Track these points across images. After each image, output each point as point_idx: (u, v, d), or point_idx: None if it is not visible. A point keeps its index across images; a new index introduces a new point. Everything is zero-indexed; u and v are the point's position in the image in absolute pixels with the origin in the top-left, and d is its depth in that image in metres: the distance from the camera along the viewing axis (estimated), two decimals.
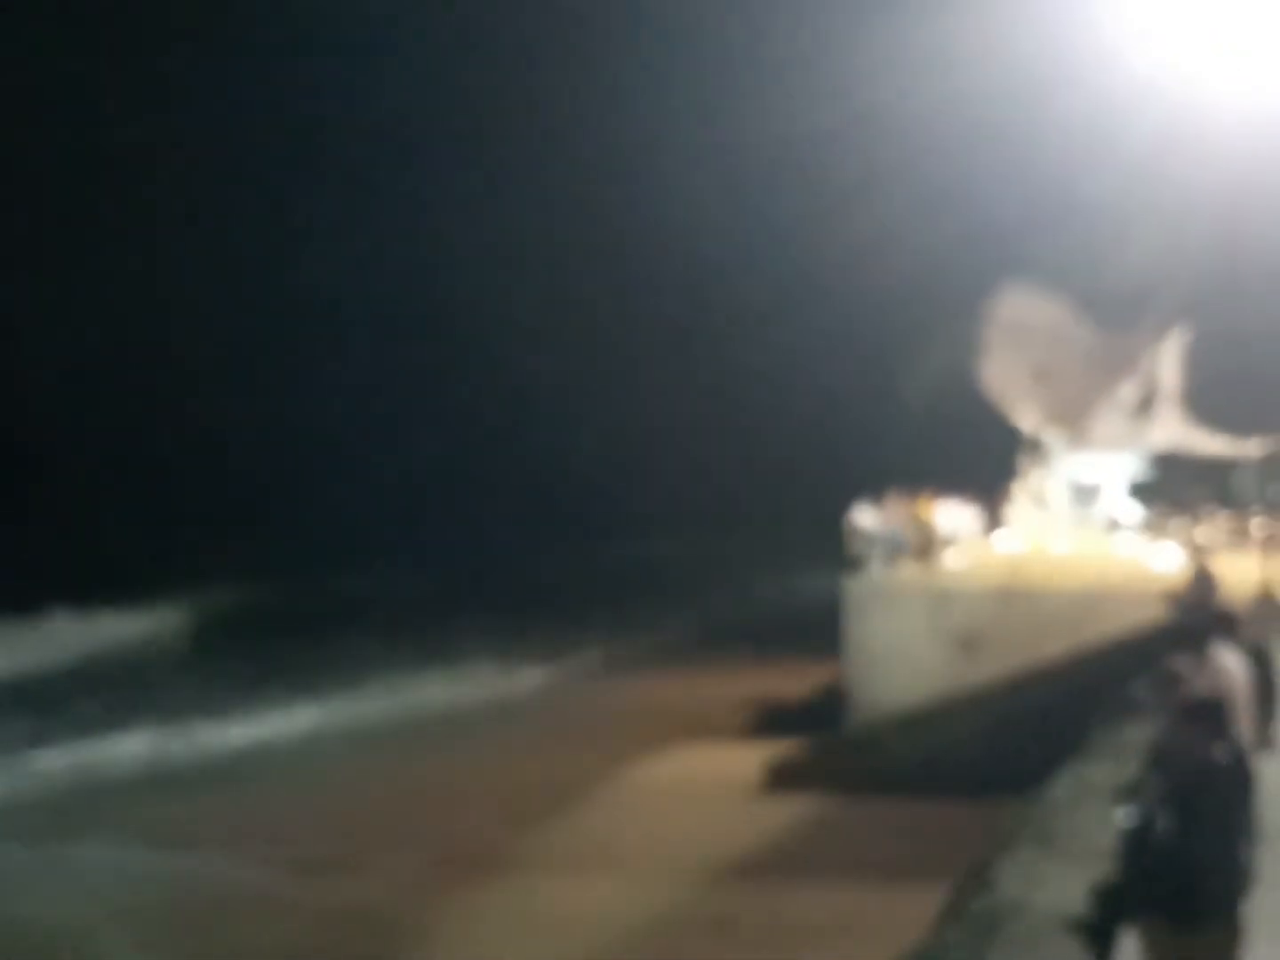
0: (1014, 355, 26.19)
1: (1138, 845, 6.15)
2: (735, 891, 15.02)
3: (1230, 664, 9.27)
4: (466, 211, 67.20)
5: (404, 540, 51.21)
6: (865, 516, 25.30)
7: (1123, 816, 7.36)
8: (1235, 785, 5.65)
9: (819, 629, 24.73)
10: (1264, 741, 9.55)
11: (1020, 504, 26.60)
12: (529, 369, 67.28)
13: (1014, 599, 21.51)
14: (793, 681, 29.51)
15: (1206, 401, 28.63)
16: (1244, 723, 9.05)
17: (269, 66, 65.31)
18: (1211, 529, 27.47)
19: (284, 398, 64.01)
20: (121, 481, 55.36)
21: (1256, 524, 24.01)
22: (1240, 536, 26.01)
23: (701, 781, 20.24)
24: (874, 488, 27.31)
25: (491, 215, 66.98)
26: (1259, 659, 9.93)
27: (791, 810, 18.45)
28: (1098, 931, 6.08)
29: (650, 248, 64.65)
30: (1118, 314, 27.54)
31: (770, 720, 25.43)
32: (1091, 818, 10.39)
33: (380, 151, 71.34)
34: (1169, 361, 26.47)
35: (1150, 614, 17.64)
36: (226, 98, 66.91)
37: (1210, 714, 5.80)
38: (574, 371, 65.48)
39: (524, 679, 32.76)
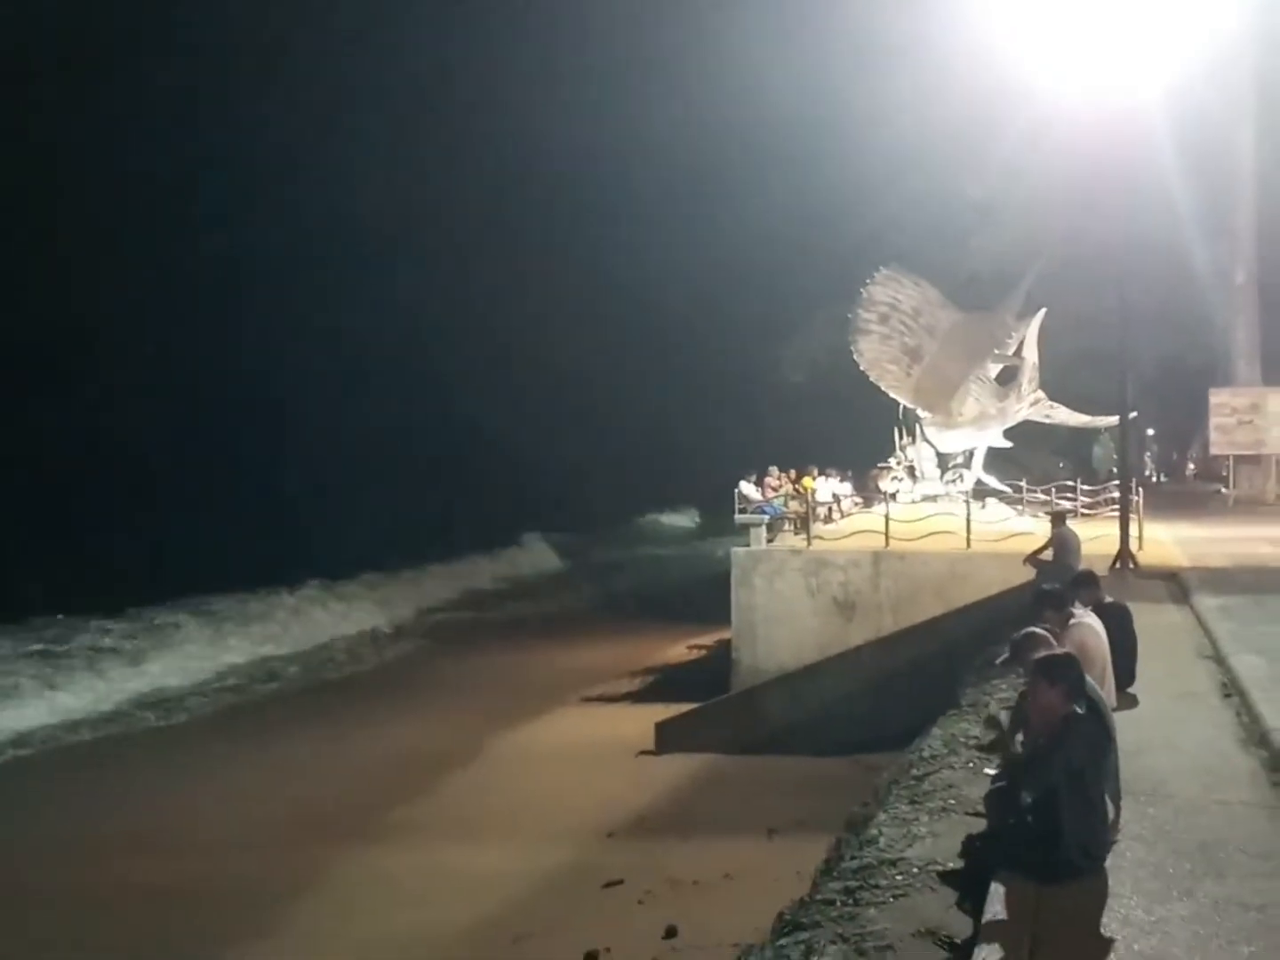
0: (886, 335, 26.20)
1: (1002, 800, 5.91)
2: (623, 851, 14.62)
3: (1090, 623, 9.13)
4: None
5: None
6: (750, 489, 25.24)
7: (989, 772, 7.11)
8: (1094, 741, 5.39)
9: (713, 596, 24.62)
10: (1125, 702, 9.40)
11: (894, 476, 26.67)
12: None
13: (888, 563, 21.61)
14: (686, 646, 29.44)
15: (1065, 378, 29.04)
16: (1104, 681, 8.91)
17: None
18: (1072, 497, 27.90)
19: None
20: None
21: (1112, 492, 24.33)
22: (1099, 504, 26.44)
23: (592, 744, 19.85)
24: (760, 463, 27.28)
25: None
26: (1118, 619, 9.78)
27: (679, 770, 18.18)
28: (966, 883, 5.85)
29: (534, 230, 63.90)
30: (983, 296, 27.74)
31: (662, 683, 25.23)
32: (961, 773, 10.24)
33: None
34: (1030, 341, 26.68)
35: (1014, 575, 17.83)
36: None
37: (1065, 671, 5.54)
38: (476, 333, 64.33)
39: (410, 646, 32.25)
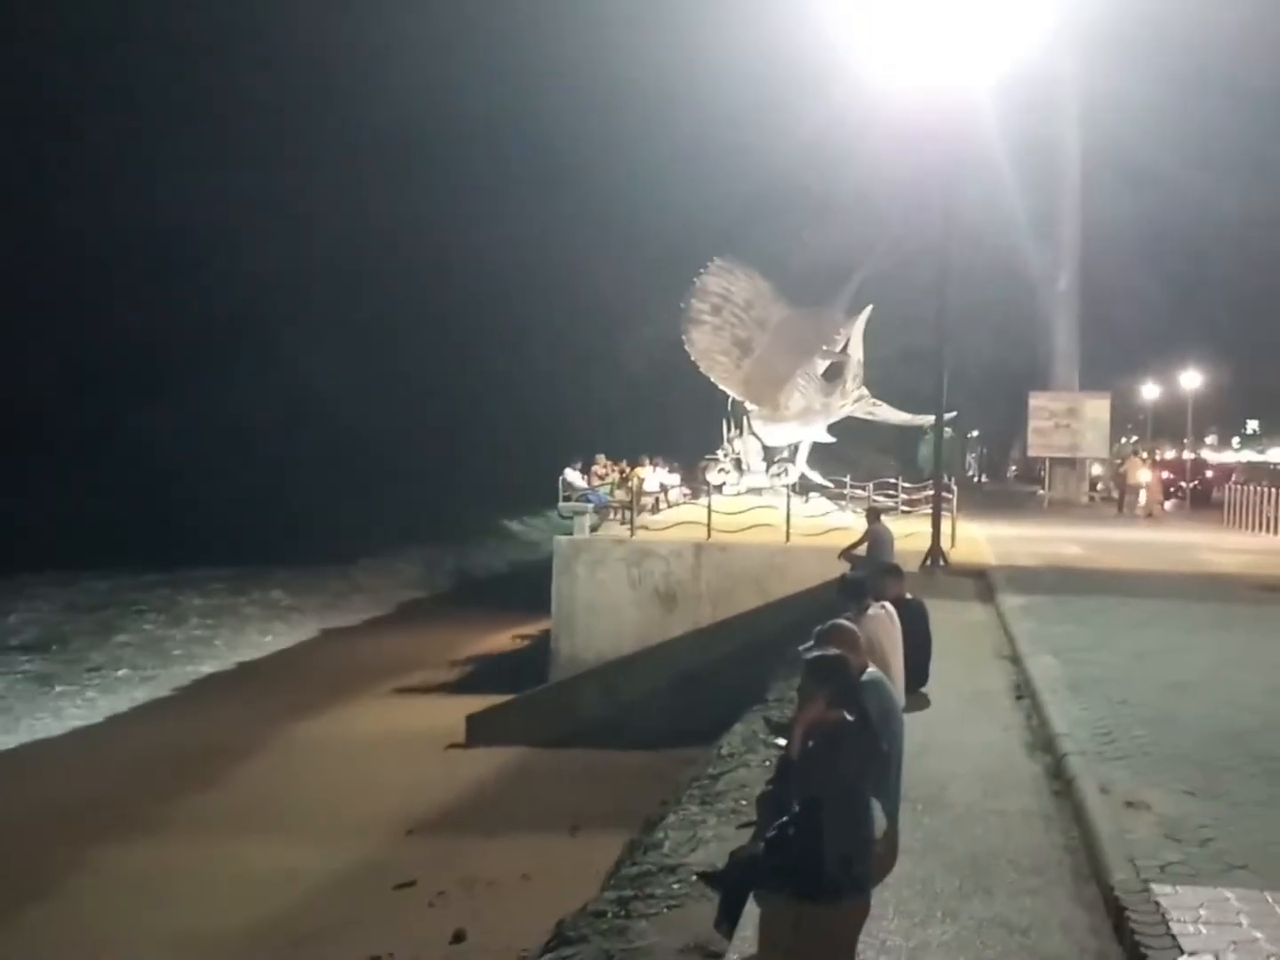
0: (718, 326, 26.06)
1: (771, 806, 5.56)
2: (422, 848, 14.00)
3: (884, 618, 8.91)
4: None
5: None
6: (575, 476, 24.80)
7: (765, 780, 6.74)
8: (864, 750, 5.05)
9: (539, 585, 24.10)
10: (918, 701, 9.23)
11: (721, 467, 26.58)
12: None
13: (709, 555, 21.44)
14: (511, 636, 28.85)
15: (892, 376, 29.40)
16: (894, 679, 8.70)
17: None
18: (891, 494, 28.29)
19: None
20: None
21: (930, 490, 24.67)
22: (918, 501, 26.82)
23: (399, 735, 19.11)
24: (588, 451, 26.89)
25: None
26: (914, 616, 9.60)
27: (489, 764, 17.60)
28: (727, 895, 5.46)
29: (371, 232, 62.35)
30: (812, 291, 27.84)
31: (480, 674, 24.62)
32: (757, 772, 9.99)
33: None
34: (856, 337, 26.89)
35: (831, 569, 17.79)
36: None
37: (835, 673, 5.18)
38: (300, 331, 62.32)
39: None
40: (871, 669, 6.25)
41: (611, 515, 24.51)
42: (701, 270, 26.47)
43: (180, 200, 62.13)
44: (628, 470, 26.68)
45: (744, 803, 8.95)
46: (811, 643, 6.64)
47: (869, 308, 26.99)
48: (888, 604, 9.24)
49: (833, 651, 5.50)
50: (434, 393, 61.52)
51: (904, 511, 26.30)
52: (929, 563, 18.14)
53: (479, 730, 18.79)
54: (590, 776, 16.86)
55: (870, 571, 10.75)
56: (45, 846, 13.70)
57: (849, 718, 5.11)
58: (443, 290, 62.65)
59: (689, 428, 31.48)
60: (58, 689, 23.37)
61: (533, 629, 28.03)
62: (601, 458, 26.28)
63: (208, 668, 25.86)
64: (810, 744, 5.14)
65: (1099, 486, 44.44)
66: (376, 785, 16.44)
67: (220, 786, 16.34)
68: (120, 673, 25.07)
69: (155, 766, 17.27)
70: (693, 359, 25.61)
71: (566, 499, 24.04)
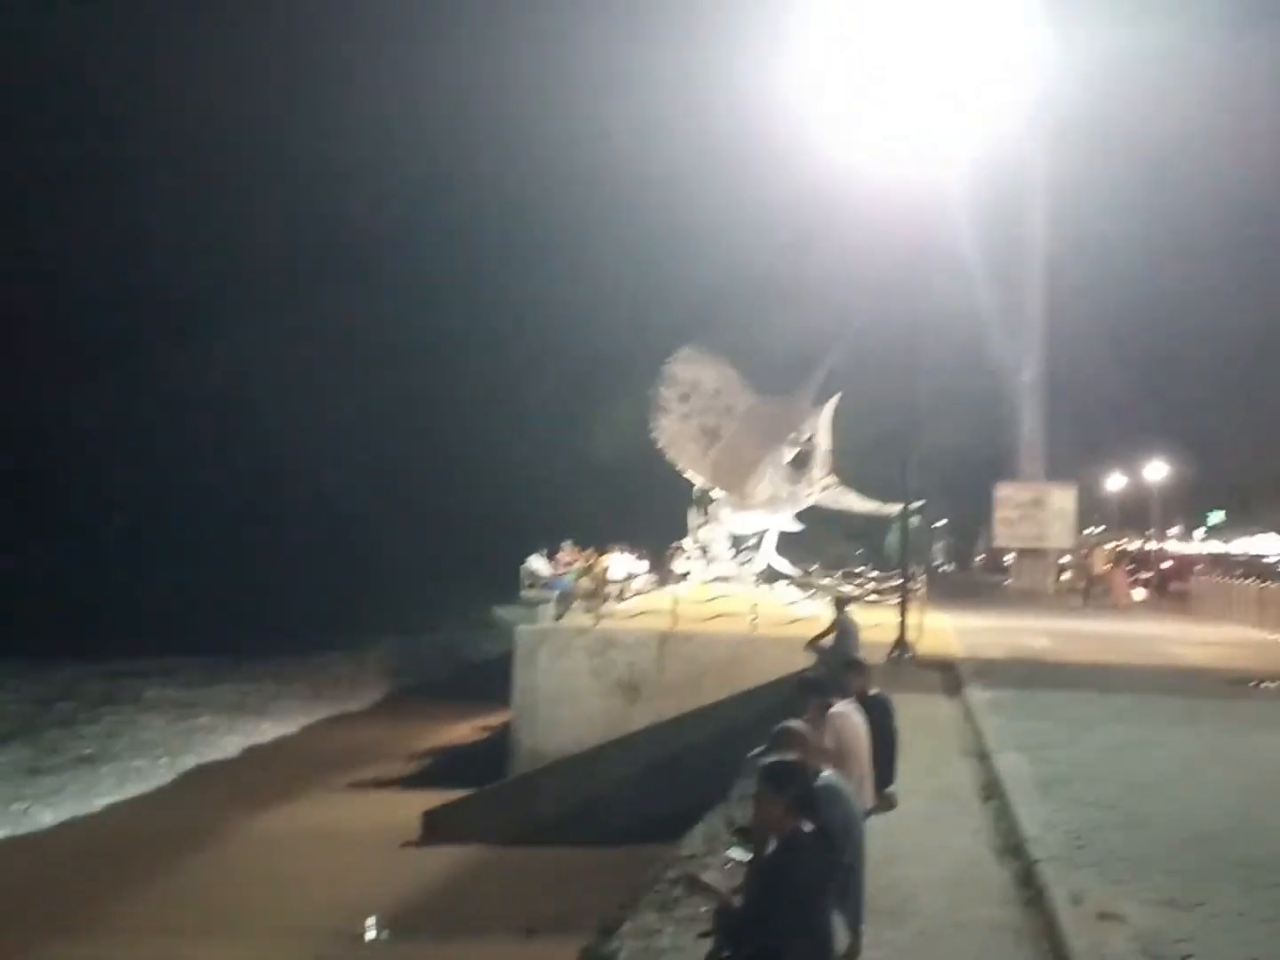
0: (686, 415, 26.04)
1: (723, 921, 5.23)
2: (373, 953, 13.46)
3: (850, 715, 8.61)
4: None
5: None
6: (540, 564, 24.48)
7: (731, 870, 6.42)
8: (820, 865, 4.74)
9: (499, 676, 23.59)
10: (883, 801, 8.87)
11: (687, 555, 26.36)
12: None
13: (674, 645, 21.11)
14: (472, 727, 28.23)
15: (861, 465, 29.38)
16: (862, 778, 8.39)
17: None
18: (859, 582, 28.09)
19: None
20: None
21: (898, 579, 24.48)
22: (887, 591, 26.60)
23: (352, 832, 18.49)
24: (553, 539, 26.57)
25: None
26: (879, 712, 9.27)
27: (444, 862, 16.99)
28: None
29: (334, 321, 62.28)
30: (779, 379, 27.91)
31: (439, 767, 23.99)
32: (715, 876, 9.60)
33: None
34: (823, 426, 26.91)
35: (797, 660, 17.49)
36: None
37: (790, 780, 4.90)
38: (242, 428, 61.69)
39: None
40: (827, 773, 5.97)
41: (575, 604, 24.15)
42: (669, 359, 26.50)
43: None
44: (594, 557, 26.38)
45: (704, 909, 8.58)
46: (764, 747, 6.37)
47: (837, 396, 27.07)
48: (853, 701, 8.97)
49: (789, 756, 5.22)
50: (411, 476, 61.26)
51: (871, 601, 26.08)
52: (896, 654, 17.89)
53: (436, 827, 18.20)
54: (550, 875, 16.31)
55: (832, 667, 10.47)
56: None
57: (807, 828, 4.83)
58: (417, 375, 62.68)
59: (656, 515, 31.28)
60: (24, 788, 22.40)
61: (495, 720, 27.47)
62: (567, 544, 25.98)
63: (183, 762, 24.80)
64: (769, 853, 4.84)
65: (1065, 576, 44.44)
66: (324, 884, 15.81)
67: (156, 882, 15.66)
68: (100, 768, 24.05)
69: (101, 862, 16.61)
70: (660, 446, 25.52)
71: (530, 586, 23.67)
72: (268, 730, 28.85)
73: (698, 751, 18.27)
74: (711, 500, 26.23)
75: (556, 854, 17.16)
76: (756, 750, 7.69)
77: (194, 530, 58.15)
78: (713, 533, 26.24)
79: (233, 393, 62.67)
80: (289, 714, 31.04)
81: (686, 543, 26.78)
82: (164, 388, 62.99)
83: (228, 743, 27.39)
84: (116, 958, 12.94)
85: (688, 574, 25.37)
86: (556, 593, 23.21)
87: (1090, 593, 34.73)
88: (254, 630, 43.17)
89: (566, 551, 25.86)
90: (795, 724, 6.75)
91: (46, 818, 19.98)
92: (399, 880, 16.12)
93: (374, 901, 15.06)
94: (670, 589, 24.06)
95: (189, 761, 25.19)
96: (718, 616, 21.55)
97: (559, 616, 22.76)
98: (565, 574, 24.69)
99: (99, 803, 21.02)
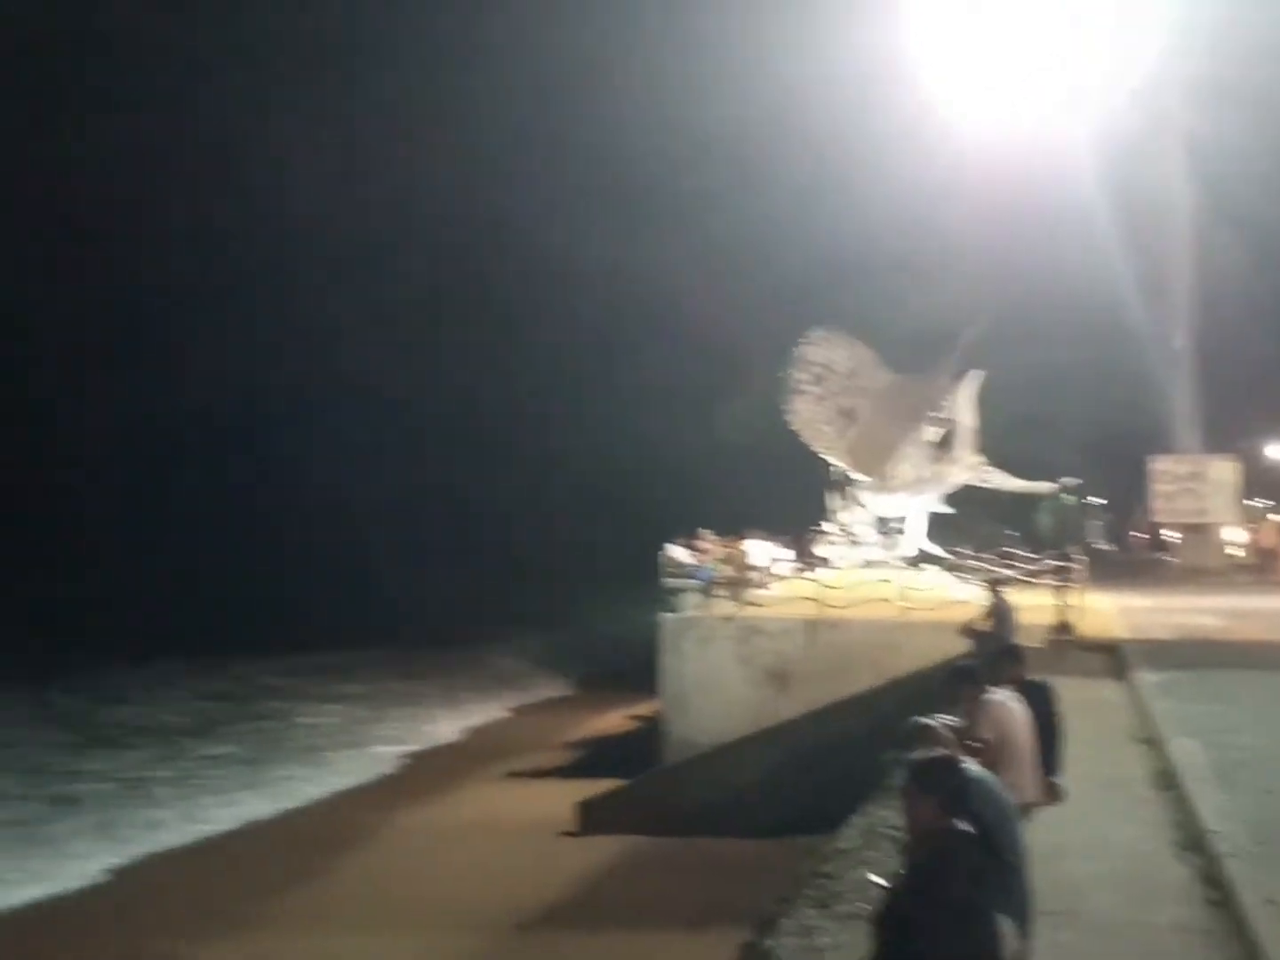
0: (820, 397, 25.62)
1: (879, 927, 5.03)
2: (532, 944, 13.57)
3: (1008, 703, 8.26)
4: None
5: None
6: (679, 552, 24.35)
7: (875, 891, 6.21)
8: (977, 867, 4.50)
9: (646, 665, 23.64)
10: (1048, 793, 8.49)
11: (830, 540, 25.94)
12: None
13: (822, 631, 20.78)
14: (623, 716, 28.38)
15: (1006, 442, 28.51)
16: (1023, 769, 8.05)
17: None
18: (1012, 565, 27.21)
19: None
20: None
21: (1054, 561, 23.65)
22: (1039, 573, 25.74)
23: (510, 823, 18.70)
24: (691, 526, 26.41)
25: None
26: (1041, 698, 8.88)
27: (599, 852, 17.07)
28: None
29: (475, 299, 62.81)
30: (916, 358, 27.25)
31: (593, 757, 24.14)
32: (877, 871, 9.34)
33: None
34: (966, 403, 26.14)
35: (951, 645, 17.04)
36: None
37: (941, 778, 4.66)
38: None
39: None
40: (976, 768, 5.69)
41: (718, 592, 23.96)
42: (801, 341, 26.09)
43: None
44: (733, 544, 26.13)
45: (866, 905, 8.35)
46: (897, 747, 6.13)
47: (978, 373, 26.25)
48: (1011, 688, 8.61)
49: (939, 752, 4.98)
50: (541, 466, 61.72)
51: (1026, 583, 25.24)
52: (1056, 637, 17.27)
53: (591, 817, 18.31)
54: (704, 867, 16.24)
55: (988, 653, 10.09)
56: (149, 939, 13.61)
57: (962, 828, 4.59)
58: (544, 361, 62.93)
59: (794, 500, 30.88)
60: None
61: (646, 709, 27.52)
62: (707, 532, 25.78)
63: (366, 756, 25.10)
64: (921, 856, 4.63)
65: (1235, 552, 42.34)
66: (485, 875, 16.03)
67: (325, 876, 16.09)
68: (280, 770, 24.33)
69: (265, 852, 17.17)
70: (795, 429, 25.18)
71: (671, 574, 23.56)
72: (441, 723, 29.12)
73: (849, 741, 17.92)
74: (852, 483, 25.76)
75: (709, 845, 17.08)
76: (889, 753, 7.41)
77: (330, 528, 59.62)
78: (856, 516, 25.77)
79: (361, 389, 63.93)
80: (455, 707, 31.38)
81: (829, 527, 26.34)
82: (290, 387, 64.76)
83: (406, 736, 27.58)
84: (275, 950, 13.27)
85: (832, 559, 24.95)
86: (697, 581, 23.06)
87: (1262, 568, 33.02)
88: (410, 625, 44.13)
89: (706, 539, 25.67)
90: (929, 719, 6.48)
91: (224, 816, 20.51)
92: (556, 871, 16.25)
93: (531, 892, 15.23)
94: (814, 574, 23.66)
95: (373, 755, 25.50)
96: (866, 602, 21.13)
97: (702, 605, 22.64)
98: (706, 561, 24.53)
99: (282, 802, 21.35)
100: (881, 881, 5.65)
